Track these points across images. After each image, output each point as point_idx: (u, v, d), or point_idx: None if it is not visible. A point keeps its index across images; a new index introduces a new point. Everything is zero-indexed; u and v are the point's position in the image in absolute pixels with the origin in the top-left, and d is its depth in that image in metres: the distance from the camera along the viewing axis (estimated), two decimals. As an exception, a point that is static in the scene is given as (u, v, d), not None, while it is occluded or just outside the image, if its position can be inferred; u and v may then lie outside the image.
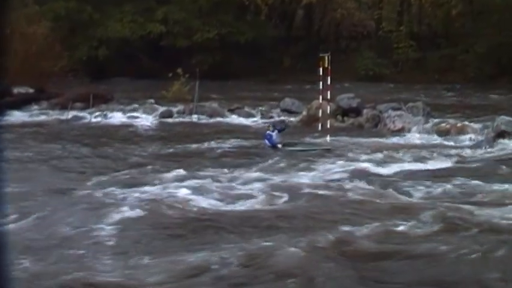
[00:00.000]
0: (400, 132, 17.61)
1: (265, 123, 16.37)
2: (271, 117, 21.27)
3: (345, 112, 19.60)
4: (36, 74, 24.19)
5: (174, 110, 22.00)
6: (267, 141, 15.17)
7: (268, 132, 15.34)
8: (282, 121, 17.79)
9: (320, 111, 17.35)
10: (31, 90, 24.67)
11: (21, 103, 22.79)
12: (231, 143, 16.30)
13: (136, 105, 22.75)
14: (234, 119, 21.27)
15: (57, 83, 24.98)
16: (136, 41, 34.51)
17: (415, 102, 20.05)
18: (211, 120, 20.99)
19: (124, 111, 22.11)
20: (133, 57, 33.90)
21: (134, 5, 34.77)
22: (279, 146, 14.88)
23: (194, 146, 15.97)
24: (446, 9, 35.16)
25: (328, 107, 17.34)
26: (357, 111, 19.59)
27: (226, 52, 34.23)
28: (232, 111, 21.93)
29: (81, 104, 22.71)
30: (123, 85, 28.78)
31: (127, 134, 18.31)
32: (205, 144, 16.05)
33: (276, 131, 15.26)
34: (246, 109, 21.95)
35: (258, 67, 34.12)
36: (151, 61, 33.55)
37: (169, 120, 21.26)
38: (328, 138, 16.11)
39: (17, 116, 21.20)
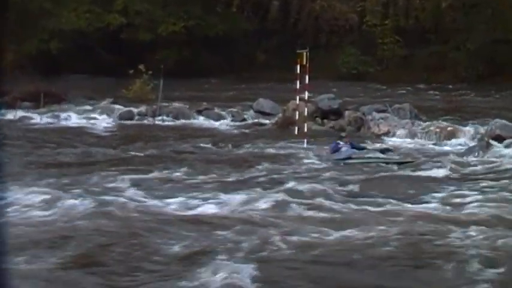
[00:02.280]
0: (385, 136, 17.71)
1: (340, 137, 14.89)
2: (244, 119, 21.25)
3: (325, 114, 19.64)
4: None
5: (135, 110, 21.83)
6: (334, 151, 14.24)
7: (339, 142, 14.44)
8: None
9: (297, 113, 17.36)
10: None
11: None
12: (196, 148, 16.29)
13: (92, 106, 22.53)
14: (202, 121, 21.20)
15: (3, 79, 24.57)
16: (93, 33, 34.20)
17: (402, 104, 20.22)
18: (177, 123, 20.90)
19: (79, 112, 21.87)
20: (90, 51, 33.59)
21: (91, -6, 34.49)
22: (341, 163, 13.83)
23: (154, 151, 15.88)
24: (436, 2, 35.62)
25: (306, 109, 17.36)
26: (337, 114, 19.65)
27: (194, 47, 34.14)
28: (200, 112, 21.84)
29: (30, 104, 22.38)
30: (78, 83, 28.47)
31: (81, 137, 18.09)
32: (167, 149, 16.04)
33: (348, 145, 14.33)
34: (216, 110, 21.90)
35: (229, 63, 34.12)
36: (111, 56, 33.27)
37: (130, 122, 21.08)
38: (305, 142, 16.12)
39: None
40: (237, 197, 10.75)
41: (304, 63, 16.44)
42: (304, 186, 11.61)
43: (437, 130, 17.49)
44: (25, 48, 32.16)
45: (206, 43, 34.26)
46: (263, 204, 10.32)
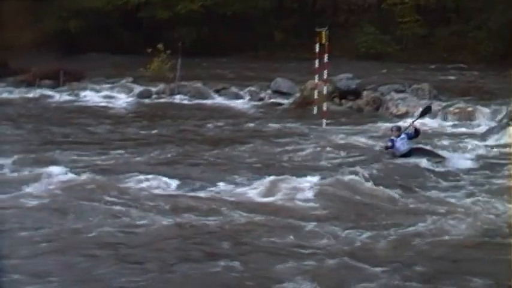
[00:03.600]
0: (403, 116, 17.50)
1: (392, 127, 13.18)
2: (261, 99, 21.11)
3: (343, 94, 19.47)
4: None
5: (153, 89, 21.81)
6: (393, 147, 12.67)
7: (392, 138, 12.78)
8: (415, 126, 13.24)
9: (315, 92, 17.20)
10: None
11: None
12: (213, 127, 16.27)
13: (111, 84, 22.52)
14: (220, 100, 21.11)
15: (22, 57, 24.60)
16: (112, 12, 34.07)
17: (421, 84, 19.96)
18: (194, 102, 20.82)
19: (97, 91, 21.89)
20: (108, 30, 33.48)
21: (110, -28, 34.27)
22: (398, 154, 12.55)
23: (172, 129, 15.90)
24: (457, -20, 34.97)
25: (325, 88, 17.19)
26: (356, 93, 19.48)
27: (212, 25, 33.90)
28: (218, 91, 21.75)
29: (50, 82, 22.42)
30: (97, 61, 28.48)
31: (100, 115, 18.14)
32: (184, 128, 16.05)
33: (404, 136, 12.72)
34: (234, 89, 21.78)
35: (246, 42, 33.84)
36: (129, 35, 33.19)
37: (148, 100, 21.07)
38: (324, 122, 16.02)
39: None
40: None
41: (324, 42, 16.24)
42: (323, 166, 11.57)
43: (457, 111, 17.28)
44: (45, 27, 32.17)
45: (224, 22, 34.01)
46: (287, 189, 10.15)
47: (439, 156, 12.46)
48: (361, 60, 30.35)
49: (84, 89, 21.98)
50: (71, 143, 14.09)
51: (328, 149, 13.34)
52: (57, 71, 22.44)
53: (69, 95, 21.40)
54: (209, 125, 16.61)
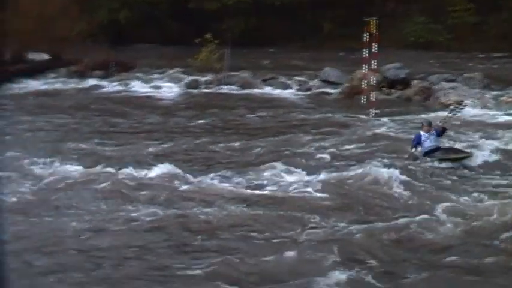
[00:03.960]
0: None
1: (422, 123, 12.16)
2: (309, 88, 20.99)
3: (392, 84, 19.21)
4: (51, 38, 24.26)
5: (202, 79, 21.89)
6: (416, 146, 11.75)
7: (421, 133, 11.82)
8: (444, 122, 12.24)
9: (364, 82, 17.01)
10: (46, 56, 24.80)
11: (36, 71, 22.97)
12: (262, 117, 16.25)
13: (159, 74, 22.71)
14: (268, 90, 21.06)
15: (74, 48, 25.01)
16: (161, 3, 34.36)
17: (472, 73, 19.52)
18: (243, 91, 20.81)
19: (147, 81, 22.12)
20: (158, 21, 33.78)
21: (159, -37, 34.51)
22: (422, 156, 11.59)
23: (218, 119, 15.96)
24: (510, -34, 34.04)
25: (373, 78, 16.98)
26: (405, 83, 19.19)
27: (260, 16, 33.84)
28: (265, 81, 21.70)
29: (100, 72, 22.79)
30: (146, 52, 28.80)
31: (148, 105, 18.32)
32: (232, 118, 16.08)
33: (433, 132, 11.74)
34: (281, 79, 21.70)
35: (294, 32, 33.68)
36: (178, 26, 33.37)
37: (195, 91, 21.17)
38: (372, 112, 15.85)
39: (31, 85, 21.44)
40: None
41: (373, 31, 16.03)
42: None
43: (509, 100, 16.84)
44: (96, 18, 32.60)
45: (272, 12, 33.91)
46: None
47: (466, 153, 11.56)
48: (410, 50, 29.86)
49: (133, 79, 22.24)
50: (119, 132, 14.30)
51: (370, 140, 13.20)
52: (107, 62, 22.77)
53: (118, 85, 21.68)
54: (256, 115, 16.59)
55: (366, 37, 16.16)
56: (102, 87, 21.50)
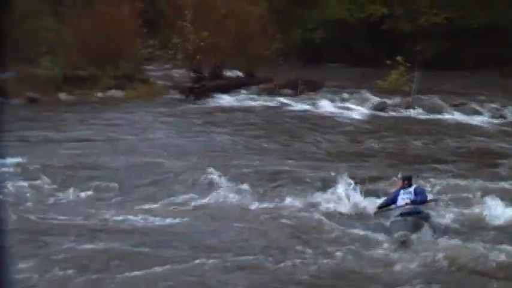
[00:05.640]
0: None
1: None
2: (502, 116, 19.69)
3: None
4: (248, 57, 25.20)
5: (389, 102, 21.42)
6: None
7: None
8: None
9: None
10: (240, 74, 25.82)
11: (230, 87, 24.03)
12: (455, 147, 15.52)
13: (347, 95, 22.57)
14: (457, 116, 20.05)
15: (267, 66, 25.76)
16: (354, 24, 34.25)
17: None
18: (430, 116, 20.02)
19: (334, 101, 22.05)
20: (349, 42, 33.72)
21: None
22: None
23: (414, 144, 15.50)
24: None
25: None
26: None
27: (455, 38, 32.43)
28: (455, 106, 20.71)
29: (290, 91, 23.19)
30: (336, 72, 28.86)
31: (332, 126, 18.28)
32: (413, 145, 15.53)
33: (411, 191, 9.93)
34: (472, 105, 20.58)
35: (490, 56, 31.80)
36: (369, 46, 33.04)
37: (382, 113, 20.72)
38: None
39: (225, 100, 22.45)
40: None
41: None
42: None
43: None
44: (290, 38, 33.28)
45: (467, 35, 32.36)
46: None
47: None
48: None
49: (321, 98, 22.30)
50: (297, 152, 14.43)
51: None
52: (296, 81, 23.12)
53: (306, 104, 21.86)
54: (444, 142, 15.82)
55: None
56: (289, 105, 21.84)
